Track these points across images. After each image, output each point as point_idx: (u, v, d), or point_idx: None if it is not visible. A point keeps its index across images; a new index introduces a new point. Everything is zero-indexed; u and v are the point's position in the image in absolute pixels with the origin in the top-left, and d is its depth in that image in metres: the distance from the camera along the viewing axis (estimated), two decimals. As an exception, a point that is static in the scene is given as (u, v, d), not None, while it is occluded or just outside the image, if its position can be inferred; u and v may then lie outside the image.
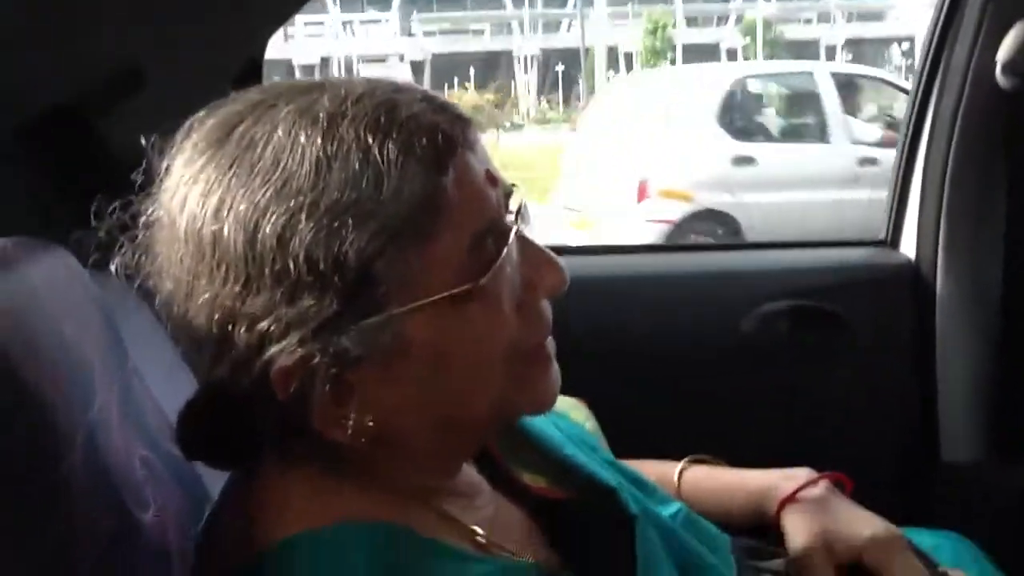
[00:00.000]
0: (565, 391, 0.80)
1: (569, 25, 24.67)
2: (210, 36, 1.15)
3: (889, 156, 6.10)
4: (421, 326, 0.61)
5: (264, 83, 0.74)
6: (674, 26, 23.51)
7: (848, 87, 7.11)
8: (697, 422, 1.48)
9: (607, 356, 1.56)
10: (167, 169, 0.63)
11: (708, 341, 1.64)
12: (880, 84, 7.67)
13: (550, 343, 0.70)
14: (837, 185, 6.04)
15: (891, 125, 6.82)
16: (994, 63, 1.52)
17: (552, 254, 0.69)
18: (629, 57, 21.21)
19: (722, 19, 24.41)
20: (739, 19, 23.59)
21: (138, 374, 0.80)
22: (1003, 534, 1.25)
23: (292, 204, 0.58)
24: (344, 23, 21.21)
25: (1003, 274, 1.63)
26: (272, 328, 0.59)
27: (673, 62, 20.96)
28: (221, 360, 0.61)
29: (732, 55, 22.35)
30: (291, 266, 0.58)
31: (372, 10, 23.19)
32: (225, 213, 0.59)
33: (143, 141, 0.66)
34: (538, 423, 0.82)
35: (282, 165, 0.59)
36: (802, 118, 7.10)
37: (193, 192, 0.61)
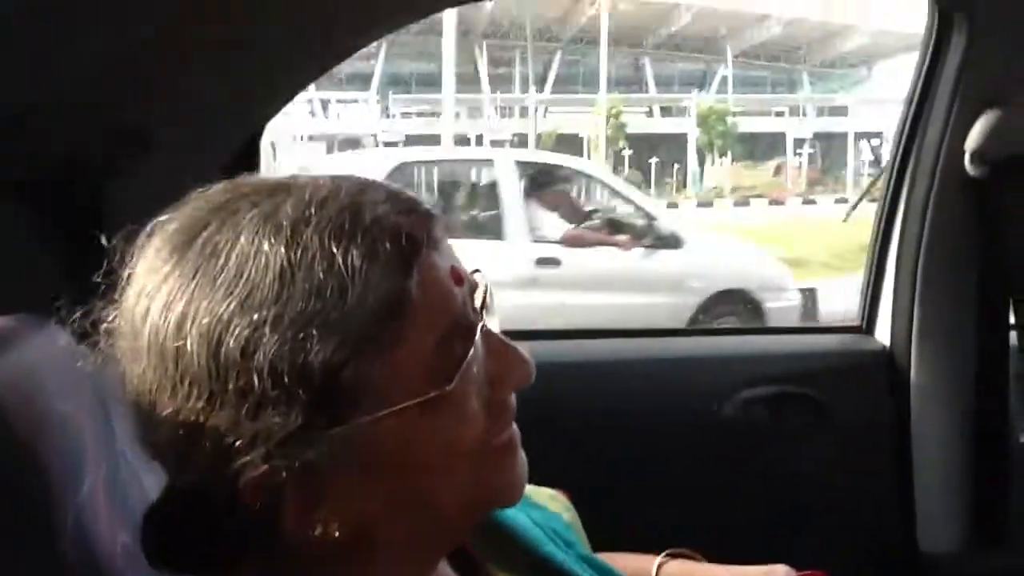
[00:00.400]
0: (543, 478, 0.80)
1: (545, 110, 24.96)
2: (211, 114, 1.16)
3: (575, 257, 5.69)
4: (388, 434, 0.60)
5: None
6: (649, 114, 23.81)
7: (548, 178, 6.42)
8: (677, 507, 1.48)
9: (587, 441, 1.56)
10: (129, 277, 0.62)
11: (689, 426, 1.64)
12: (581, 176, 7.03)
13: (515, 431, 0.69)
14: (510, 286, 5.41)
15: (611, 222, 6.26)
16: (963, 152, 1.56)
17: (518, 348, 0.67)
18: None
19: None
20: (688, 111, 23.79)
21: (124, 455, 0.79)
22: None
23: (256, 317, 0.57)
24: (323, 101, 21.38)
25: (976, 361, 1.65)
26: (238, 443, 0.58)
27: (621, 151, 21.08)
28: (186, 469, 0.61)
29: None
30: (255, 380, 0.57)
31: (352, 90, 23.43)
32: (188, 326, 0.58)
33: (105, 240, 0.64)
34: (518, 519, 0.81)
35: (245, 276, 0.58)
36: (475, 211, 6.48)
37: (156, 303, 0.60)
